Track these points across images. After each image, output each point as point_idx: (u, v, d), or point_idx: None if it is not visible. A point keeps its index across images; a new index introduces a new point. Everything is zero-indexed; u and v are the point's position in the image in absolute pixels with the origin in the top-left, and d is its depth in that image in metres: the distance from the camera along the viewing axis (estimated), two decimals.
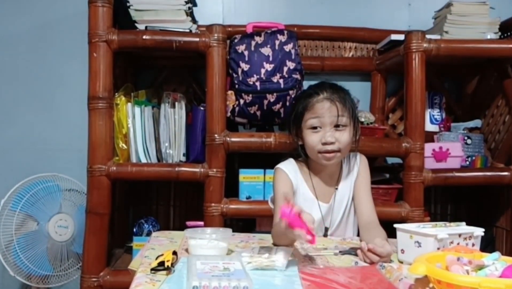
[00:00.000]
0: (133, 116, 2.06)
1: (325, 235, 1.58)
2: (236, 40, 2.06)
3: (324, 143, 1.47)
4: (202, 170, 1.98)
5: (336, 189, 1.59)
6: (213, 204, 1.97)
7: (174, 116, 2.09)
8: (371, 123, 2.22)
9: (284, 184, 1.54)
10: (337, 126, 1.48)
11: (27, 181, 2.19)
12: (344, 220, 1.62)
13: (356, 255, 1.29)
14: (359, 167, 1.62)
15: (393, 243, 1.36)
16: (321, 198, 1.59)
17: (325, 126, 1.48)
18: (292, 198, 1.48)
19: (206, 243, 1.24)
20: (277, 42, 2.03)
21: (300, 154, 1.59)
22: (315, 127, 1.49)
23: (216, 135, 1.96)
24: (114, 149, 2.02)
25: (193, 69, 2.46)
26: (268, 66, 2.00)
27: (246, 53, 2.02)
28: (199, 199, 2.10)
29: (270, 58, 2.01)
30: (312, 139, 1.50)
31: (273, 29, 2.08)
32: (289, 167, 1.57)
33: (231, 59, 2.03)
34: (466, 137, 2.25)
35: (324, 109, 1.48)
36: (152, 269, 1.09)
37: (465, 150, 2.22)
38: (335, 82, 1.59)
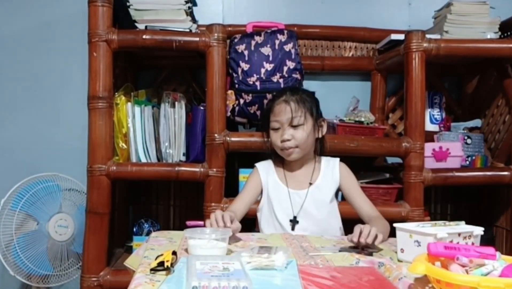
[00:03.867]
0: (133, 116, 2.06)
1: (293, 228, 1.68)
2: (236, 40, 2.06)
3: (282, 141, 1.66)
4: (202, 169, 1.98)
5: (311, 184, 1.72)
6: (213, 204, 1.97)
7: (174, 116, 2.09)
8: (371, 123, 2.22)
9: (252, 181, 1.75)
10: (294, 126, 1.66)
11: (27, 180, 2.19)
12: (320, 217, 1.70)
13: (356, 252, 1.30)
14: (340, 173, 1.74)
15: (392, 243, 1.37)
16: (292, 186, 1.72)
17: (283, 126, 1.67)
18: (252, 193, 1.73)
19: (205, 243, 1.24)
20: (277, 42, 2.03)
21: (273, 153, 1.77)
22: (276, 128, 1.69)
23: (216, 135, 1.96)
24: (114, 149, 2.02)
25: (193, 69, 2.46)
26: (268, 66, 2.00)
27: (246, 53, 2.02)
28: (199, 198, 2.10)
29: (270, 58, 2.01)
30: (274, 138, 1.71)
31: (273, 29, 2.08)
32: (262, 165, 1.78)
33: (231, 59, 2.04)
34: (466, 137, 2.25)
35: (281, 111, 1.67)
36: (151, 269, 1.09)
37: (465, 150, 2.22)
38: (298, 87, 1.85)
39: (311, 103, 1.70)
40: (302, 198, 1.70)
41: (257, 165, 1.78)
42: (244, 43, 2.04)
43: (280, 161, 1.77)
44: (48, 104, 2.49)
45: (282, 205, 1.71)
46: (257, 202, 1.78)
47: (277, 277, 1.07)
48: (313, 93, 1.78)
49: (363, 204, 1.70)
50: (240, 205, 1.69)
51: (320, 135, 1.75)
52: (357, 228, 1.34)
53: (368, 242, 1.30)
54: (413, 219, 1.99)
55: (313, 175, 1.74)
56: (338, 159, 1.78)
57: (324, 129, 1.77)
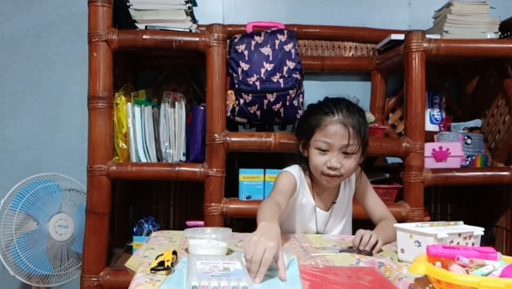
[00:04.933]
0: (133, 116, 2.06)
1: None
2: (236, 40, 2.06)
3: (329, 168, 1.47)
4: (202, 169, 1.98)
5: (334, 202, 1.63)
6: (213, 204, 1.97)
7: (174, 116, 2.09)
8: (371, 123, 2.22)
9: (289, 183, 1.53)
10: (345, 152, 1.47)
11: (27, 180, 2.19)
12: (339, 229, 1.65)
13: (356, 252, 1.30)
14: (357, 178, 1.67)
15: (392, 243, 1.37)
16: (320, 206, 1.62)
17: (333, 150, 1.47)
18: (290, 193, 1.50)
19: (206, 243, 1.24)
20: (277, 42, 2.03)
21: (304, 162, 1.58)
22: (323, 150, 1.48)
23: (216, 135, 1.96)
24: (114, 149, 2.02)
25: (193, 69, 2.46)
26: (268, 66, 2.00)
27: (246, 53, 2.02)
28: (199, 198, 2.10)
29: (270, 58, 2.01)
30: (318, 160, 1.49)
31: (273, 29, 2.08)
32: (296, 173, 1.57)
33: (231, 59, 2.03)
34: (466, 137, 2.25)
35: (335, 134, 1.46)
36: (152, 269, 1.09)
37: (465, 150, 2.22)
38: (351, 102, 1.55)
39: (366, 129, 1.52)
40: (326, 217, 1.62)
41: (292, 171, 1.57)
42: (244, 43, 2.04)
43: (306, 170, 1.60)
44: (48, 104, 2.48)
45: (305, 221, 1.60)
46: None
47: (277, 277, 1.07)
48: (364, 111, 1.58)
49: (375, 206, 1.64)
50: (283, 200, 1.46)
51: (361, 161, 1.57)
52: (358, 234, 1.33)
53: (367, 250, 1.30)
54: (413, 219, 1.99)
55: (337, 192, 1.63)
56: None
57: (365, 155, 1.57)
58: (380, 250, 1.35)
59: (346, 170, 1.48)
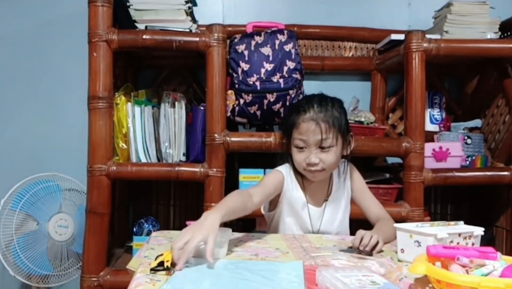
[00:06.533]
0: (133, 116, 2.06)
1: None
2: (236, 40, 2.06)
3: (308, 164, 1.50)
4: (202, 169, 1.98)
5: (326, 200, 1.63)
6: (213, 204, 1.96)
7: (174, 116, 2.09)
8: (371, 123, 2.22)
9: (274, 179, 1.57)
10: (322, 147, 1.49)
11: (27, 180, 2.19)
12: (335, 228, 1.64)
13: (356, 252, 1.30)
14: (352, 177, 1.66)
15: (392, 243, 1.37)
16: (311, 202, 1.62)
17: (309, 147, 1.50)
18: (272, 190, 1.55)
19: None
20: (277, 42, 2.03)
21: (289, 161, 1.62)
22: (300, 147, 1.52)
23: (216, 135, 1.96)
24: (114, 149, 2.02)
25: (193, 69, 2.46)
26: (268, 66, 2.00)
27: (246, 53, 2.02)
28: (199, 198, 2.10)
29: (270, 58, 2.01)
30: (298, 157, 1.53)
31: (273, 29, 2.08)
32: (285, 170, 1.61)
33: (231, 59, 2.03)
34: (466, 137, 2.25)
35: (308, 131, 1.49)
36: (151, 269, 1.09)
37: (465, 150, 2.22)
38: (325, 95, 1.57)
39: (341, 120, 1.52)
40: (320, 214, 1.62)
41: (282, 170, 1.60)
42: (244, 43, 2.04)
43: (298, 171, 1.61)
44: (48, 104, 2.49)
45: (299, 220, 1.61)
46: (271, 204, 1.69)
47: (281, 272, 1.07)
48: (341, 102, 1.58)
49: (371, 205, 1.64)
50: (258, 192, 1.49)
51: (347, 153, 1.58)
52: (359, 235, 1.32)
53: (367, 251, 1.30)
54: (413, 219, 1.99)
55: (328, 188, 1.63)
56: (347, 163, 1.66)
57: (352, 145, 1.60)
58: (381, 251, 1.34)
59: (327, 164, 1.50)
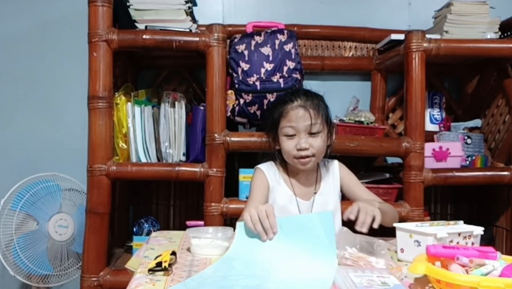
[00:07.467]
0: (133, 116, 2.06)
1: None
2: (236, 40, 2.06)
3: (299, 150, 1.55)
4: (202, 169, 1.98)
5: (315, 193, 1.65)
6: (213, 204, 1.97)
7: (174, 116, 2.09)
8: (371, 123, 2.22)
9: (261, 183, 1.63)
10: (311, 133, 1.55)
11: (27, 180, 2.19)
12: None
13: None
14: (340, 174, 1.69)
15: (392, 243, 1.37)
16: (300, 196, 1.65)
17: (299, 133, 1.56)
18: (265, 197, 1.61)
19: (209, 243, 1.25)
20: (277, 42, 2.03)
21: (277, 158, 1.67)
22: (290, 135, 1.57)
23: (216, 135, 1.96)
24: (114, 149, 2.02)
25: (193, 69, 2.46)
26: (268, 66, 2.00)
27: (246, 52, 2.02)
28: (199, 198, 2.10)
29: (270, 58, 2.01)
30: (288, 145, 1.57)
31: (273, 29, 2.08)
32: (268, 168, 1.66)
33: (231, 59, 2.03)
34: (466, 137, 2.25)
35: (298, 117, 1.55)
36: (149, 270, 1.09)
37: (465, 150, 2.22)
38: (308, 89, 1.66)
39: (326, 109, 1.61)
40: (309, 208, 1.64)
41: (262, 168, 1.66)
42: (244, 43, 2.04)
43: (284, 166, 1.67)
44: (48, 104, 2.48)
45: (288, 211, 1.62)
46: None
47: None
48: (321, 96, 1.66)
49: (362, 193, 1.66)
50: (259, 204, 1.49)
51: (330, 142, 1.65)
52: (355, 205, 1.33)
53: (367, 222, 1.29)
54: (413, 219, 1.99)
55: (316, 182, 1.67)
56: (336, 161, 1.71)
57: (334, 135, 1.67)
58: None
59: (316, 149, 1.56)
